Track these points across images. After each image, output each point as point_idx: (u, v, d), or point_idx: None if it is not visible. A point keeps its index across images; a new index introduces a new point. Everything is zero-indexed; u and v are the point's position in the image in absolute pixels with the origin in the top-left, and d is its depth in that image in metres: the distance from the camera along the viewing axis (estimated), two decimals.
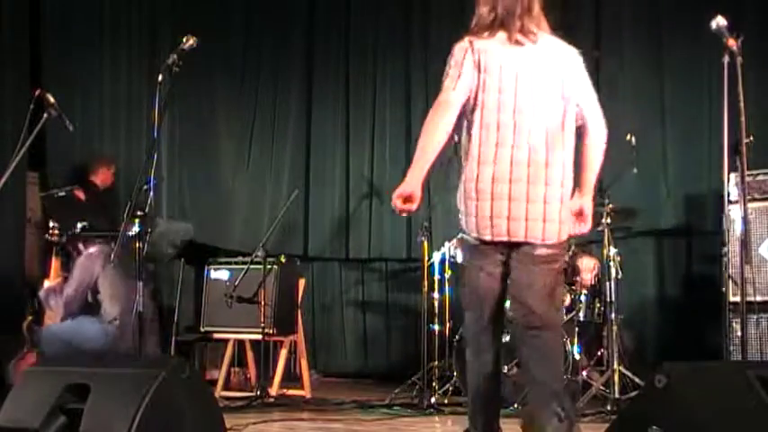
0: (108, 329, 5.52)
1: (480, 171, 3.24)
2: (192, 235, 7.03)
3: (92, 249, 5.66)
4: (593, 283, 6.00)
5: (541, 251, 3.26)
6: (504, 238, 3.25)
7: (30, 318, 5.95)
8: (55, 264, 5.91)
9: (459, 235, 3.50)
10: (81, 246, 5.86)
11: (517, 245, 3.27)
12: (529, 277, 3.26)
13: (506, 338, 5.81)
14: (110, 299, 5.51)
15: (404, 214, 3.30)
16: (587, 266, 6.16)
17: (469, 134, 3.27)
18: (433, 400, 5.83)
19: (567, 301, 6.08)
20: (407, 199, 3.24)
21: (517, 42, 3.28)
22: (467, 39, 3.29)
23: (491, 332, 3.34)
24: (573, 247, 6.28)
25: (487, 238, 3.26)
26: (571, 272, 6.24)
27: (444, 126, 3.24)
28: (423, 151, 3.24)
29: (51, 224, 5.78)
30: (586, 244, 6.59)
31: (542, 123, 3.26)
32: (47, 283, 5.85)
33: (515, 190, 3.22)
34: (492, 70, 3.24)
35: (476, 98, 3.25)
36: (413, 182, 3.22)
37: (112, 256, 3.52)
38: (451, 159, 6.68)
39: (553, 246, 3.27)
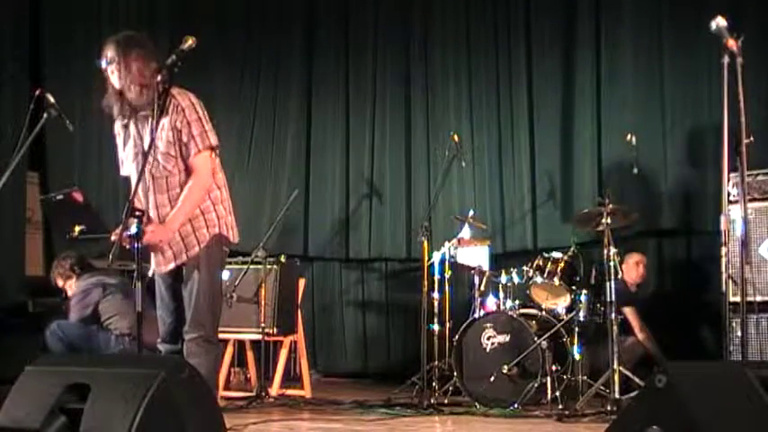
0: (119, 340, 5.57)
1: None
2: None
3: (83, 285, 5.70)
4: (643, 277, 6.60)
5: None
6: None
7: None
8: None
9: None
10: (63, 282, 5.87)
11: None
12: None
13: (506, 338, 5.87)
14: (118, 316, 5.57)
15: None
16: (634, 261, 6.60)
17: None
18: (432, 400, 5.83)
19: (567, 301, 6.07)
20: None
21: None
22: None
23: None
24: (573, 248, 6.28)
25: None
26: (571, 271, 6.24)
27: None
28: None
29: None
30: (586, 244, 6.60)
31: None
32: None
33: None
34: None
35: None
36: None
37: (110, 257, 3.49)
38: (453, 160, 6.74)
39: None
